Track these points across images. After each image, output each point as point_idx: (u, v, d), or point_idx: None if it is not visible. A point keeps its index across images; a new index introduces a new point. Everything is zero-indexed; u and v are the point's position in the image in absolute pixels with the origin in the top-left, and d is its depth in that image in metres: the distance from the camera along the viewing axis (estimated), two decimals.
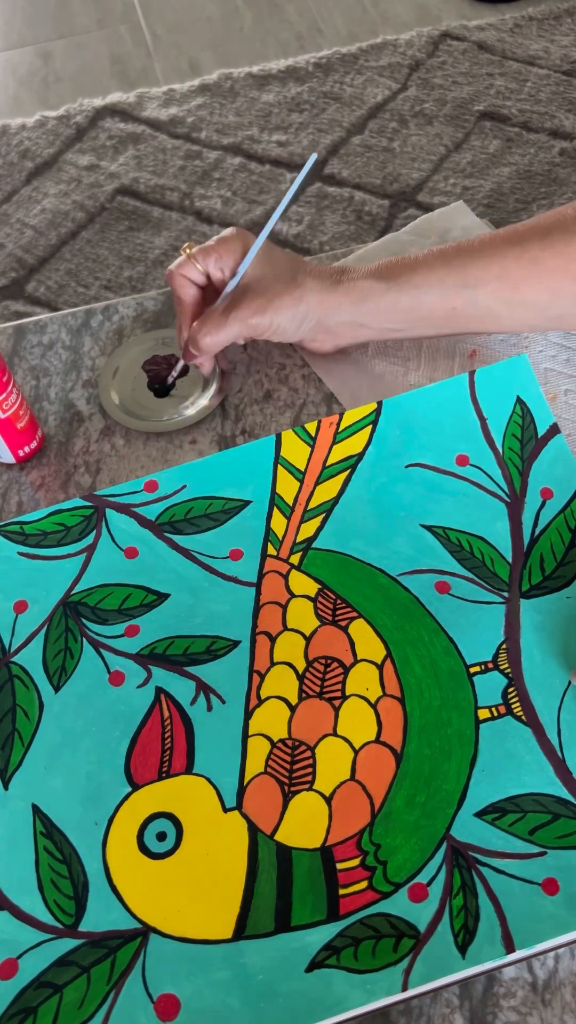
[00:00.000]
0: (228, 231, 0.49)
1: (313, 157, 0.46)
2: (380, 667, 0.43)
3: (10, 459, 0.53)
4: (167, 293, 0.62)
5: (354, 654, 0.44)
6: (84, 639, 0.45)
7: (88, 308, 0.61)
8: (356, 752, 0.41)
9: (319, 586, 0.46)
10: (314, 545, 0.47)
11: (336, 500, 0.49)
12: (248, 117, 1.51)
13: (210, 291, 0.51)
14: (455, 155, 1.45)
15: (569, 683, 0.42)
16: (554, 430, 0.50)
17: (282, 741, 0.41)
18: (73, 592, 0.46)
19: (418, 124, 1.48)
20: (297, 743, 0.41)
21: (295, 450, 0.51)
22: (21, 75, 1.59)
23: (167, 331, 0.59)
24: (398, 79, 1.54)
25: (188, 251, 0.48)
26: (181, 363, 0.50)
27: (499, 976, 0.37)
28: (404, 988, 0.35)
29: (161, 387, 0.56)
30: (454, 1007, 0.36)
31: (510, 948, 0.35)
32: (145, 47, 1.60)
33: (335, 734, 0.41)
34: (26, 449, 0.53)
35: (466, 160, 1.44)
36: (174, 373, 0.51)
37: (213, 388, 0.56)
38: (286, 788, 0.40)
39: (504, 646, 0.43)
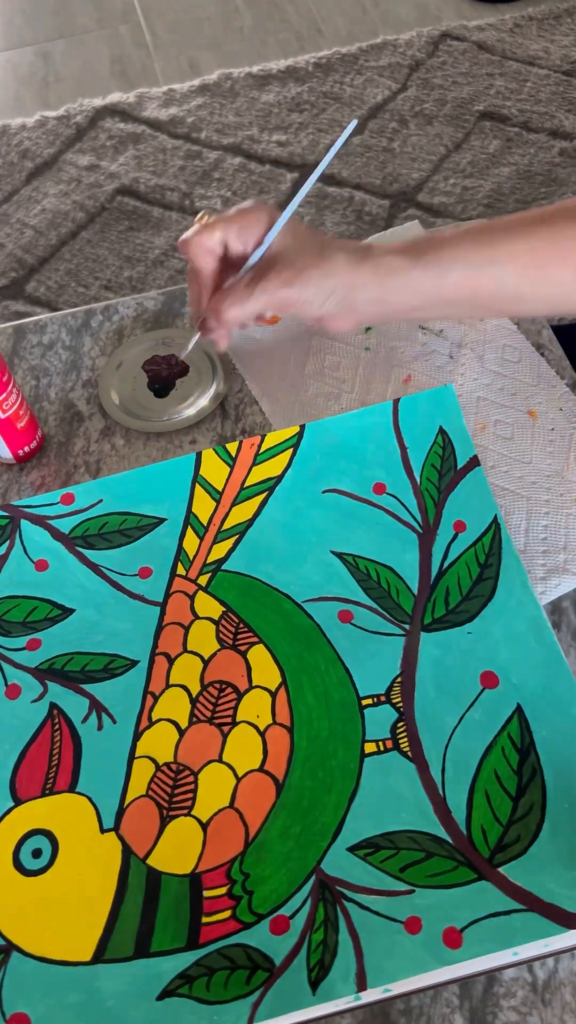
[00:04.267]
0: (247, 203, 0.47)
1: (353, 123, 0.43)
2: (273, 694, 0.43)
3: (10, 459, 0.54)
4: (167, 293, 0.62)
5: (249, 680, 0.44)
6: None
7: (88, 308, 0.61)
8: (239, 780, 0.41)
9: (223, 609, 0.46)
10: (224, 567, 0.47)
11: (251, 522, 0.49)
12: (248, 117, 1.50)
13: (223, 265, 0.48)
14: (455, 155, 1.43)
15: (460, 720, 0.42)
16: (474, 462, 0.49)
17: (167, 764, 0.41)
18: None
19: (418, 124, 1.47)
20: (181, 767, 0.41)
21: (214, 470, 0.51)
22: (21, 75, 1.60)
23: (167, 331, 0.59)
24: (398, 79, 1.52)
25: (206, 219, 0.46)
26: (195, 339, 0.45)
27: (499, 976, 0.37)
28: (250, 1022, 0.35)
29: (161, 387, 0.56)
30: (454, 1007, 0.36)
31: (362, 986, 0.35)
32: (145, 47, 1.60)
33: (220, 760, 0.41)
34: (26, 449, 0.53)
35: (466, 160, 1.42)
36: (187, 351, 0.47)
37: (213, 388, 0.56)
38: (164, 812, 0.40)
39: (399, 679, 0.43)
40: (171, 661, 0.45)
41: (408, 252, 0.44)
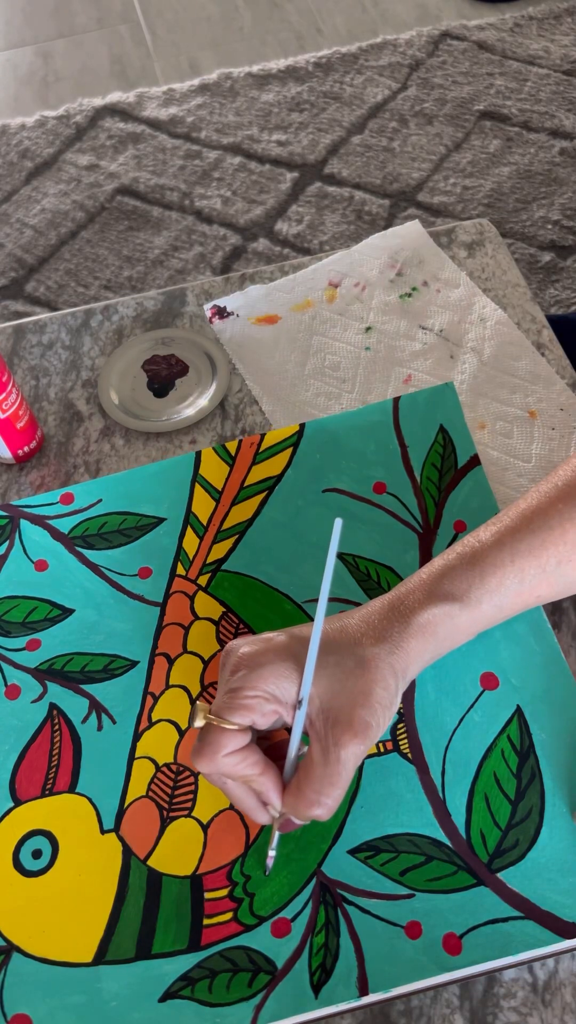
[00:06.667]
0: (240, 658, 0.37)
1: (339, 523, 0.36)
2: None
3: (10, 459, 0.54)
4: (167, 293, 0.62)
5: None
6: None
7: (88, 308, 0.61)
8: None
9: (224, 609, 0.46)
10: (224, 567, 0.47)
11: (251, 522, 0.49)
12: (248, 117, 1.50)
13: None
14: (455, 155, 1.43)
15: (460, 722, 0.42)
16: (474, 461, 0.49)
17: (167, 765, 0.41)
18: None
19: (418, 124, 1.47)
20: (181, 768, 0.41)
21: (214, 469, 0.51)
22: (21, 75, 1.60)
23: (167, 331, 0.59)
24: (398, 79, 1.52)
25: (207, 716, 0.36)
26: (276, 838, 0.38)
27: (499, 977, 0.37)
28: None
29: (161, 387, 0.56)
30: (454, 1007, 0.36)
31: (364, 991, 0.35)
32: (145, 47, 1.60)
33: None
34: (26, 449, 0.53)
35: (466, 160, 1.43)
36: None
37: (213, 388, 0.56)
38: (165, 813, 0.40)
39: None
40: (171, 662, 0.44)
41: (447, 595, 0.38)
